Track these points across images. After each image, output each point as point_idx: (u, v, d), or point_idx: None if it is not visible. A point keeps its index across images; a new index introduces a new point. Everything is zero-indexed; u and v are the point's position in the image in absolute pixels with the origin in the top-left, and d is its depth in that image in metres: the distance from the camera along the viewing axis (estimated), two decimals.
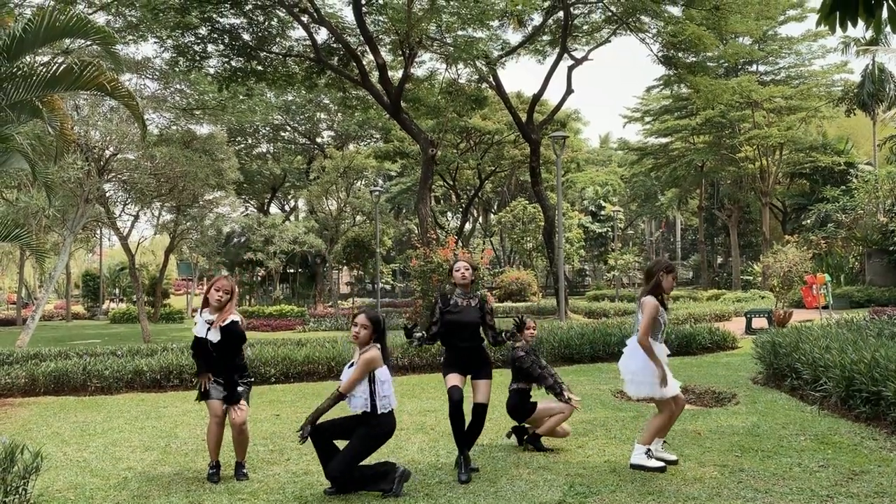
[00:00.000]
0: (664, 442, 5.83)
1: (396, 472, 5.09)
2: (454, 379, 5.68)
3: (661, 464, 5.54)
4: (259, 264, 40.48)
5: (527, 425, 6.49)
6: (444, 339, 5.81)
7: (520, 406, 6.37)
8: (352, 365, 5.24)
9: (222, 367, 5.71)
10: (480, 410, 5.72)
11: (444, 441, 6.53)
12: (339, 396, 5.18)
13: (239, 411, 5.63)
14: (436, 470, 5.72)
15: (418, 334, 5.83)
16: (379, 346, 5.23)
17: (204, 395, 5.73)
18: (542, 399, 6.45)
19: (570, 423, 6.74)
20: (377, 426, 5.13)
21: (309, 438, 5.17)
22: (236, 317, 5.75)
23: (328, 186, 38.77)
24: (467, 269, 5.83)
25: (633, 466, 5.57)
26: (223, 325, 5.67)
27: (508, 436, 6.54)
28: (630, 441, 6.41)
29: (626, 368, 5.75)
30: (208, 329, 5.69)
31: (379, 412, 5.12)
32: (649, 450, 5.59)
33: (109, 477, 5.75)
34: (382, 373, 5.20)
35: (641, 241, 61.28)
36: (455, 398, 5.57)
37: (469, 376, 5.76)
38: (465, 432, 5.67)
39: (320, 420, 5.22)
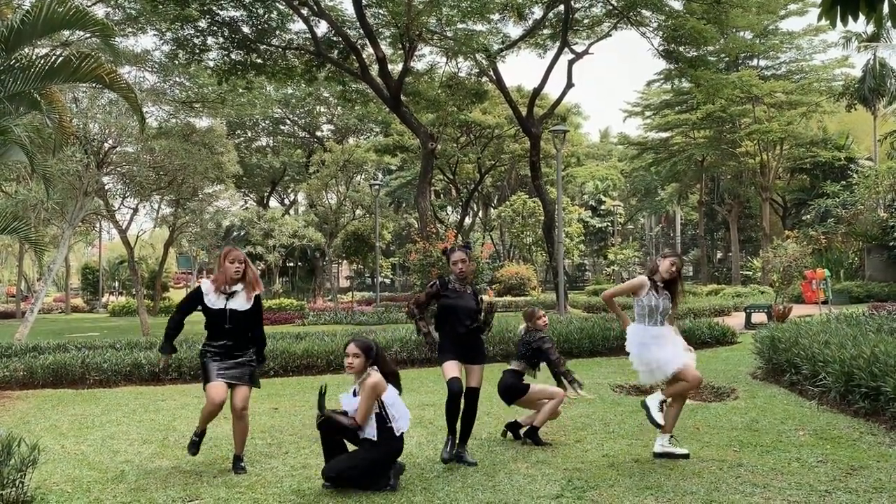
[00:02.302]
0: (671, 437, 5.84)
1: (392, 468, 5.09)
2: (454, 368, 5.67)
3: (686, 450, 5.67)
4: (258, 258, 40.50)
5: (519, 419, 6.49)
6: (442, 325, 5.82)
7: (513, 387, 6.37)
8: (355, 394, 5.16)
9: (246, 341, 5.67)
10: (474, 395, 5.79)
11: (443, 435, 6.52)
12: (358, 427, 5.07)
13: (240, 394, 5.59)
14: (434, 464, 5.71)
15: (425, 330, 5.82)
16: (377, 367, 5.14)
17: (206, 377, 5.58)
18: (534, 382, 6.48)
19: (569, 419, 6.75)
20: (385, 447, 5.06)
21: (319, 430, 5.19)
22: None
23: (328, 180, 38.73)
24: (465, 263, 5.85)
25: (658, 455, 5.68)
26: (257, 293, 5.70)
27: (504, 434, 6.54)
28: (628, 436, 6.42)
29: (637, 360, 5.79)
30: (228, 298, 5.60)
31: (387, 435, 5.07)
32: (672, 436, 5.72)
33: (107, 470, 5.74)
34: (389, 395, 5.13)
35: (641, 236, 61.31)
36: (455, 389, 5.59)
37: (466, 363, 5.79)
38: (461, 421, 5.76)
39: (335, 416, 5.17)
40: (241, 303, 5.64)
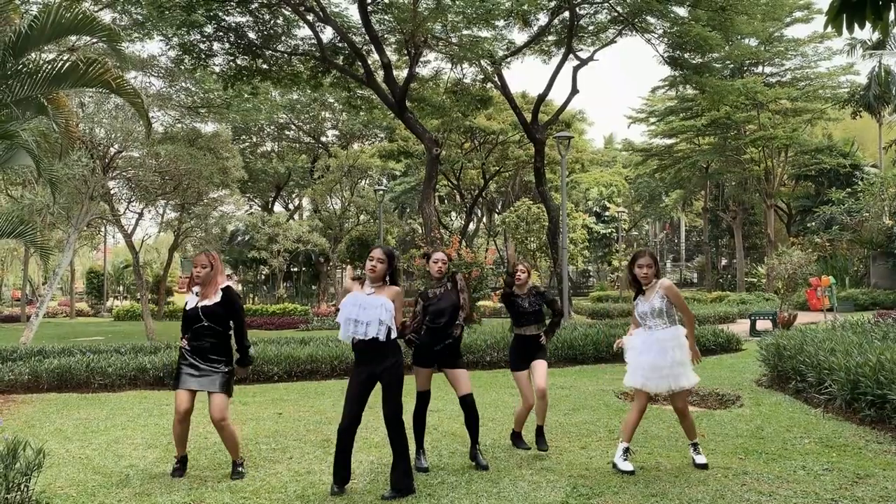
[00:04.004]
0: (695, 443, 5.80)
1: (409, 485, 5.10)
2: (425, 378, 5.83)
3: (630, 467, 5.54)
4: (263, 263, 40.52)
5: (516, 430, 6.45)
6: (426, 326, 5.88)
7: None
8: (371, 294, 5.26)
9: (223, 345, 5.63)
10: (469, 401, 5.84)
11: (447, 441, 6.53)
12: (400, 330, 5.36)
13: (214, 404, 5.53)
14: (438, 470, 5.71)
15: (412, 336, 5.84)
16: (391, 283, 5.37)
17: (175, 382, 5.66)
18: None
19: (574, 425, 6.73)
20: (398, 354, 5.27)
21: (339, 442, 5.19)
22: (230, 281, 5.80)
23: (332, 185, 38.82)
24: (444, 263, 5.99)
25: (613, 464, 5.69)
26: (221, 287, 5.67)
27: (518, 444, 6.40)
28: (633, 443, 6.39)
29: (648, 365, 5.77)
30: (201, 300, 5.65)
31: (394, 340, 5.28)
32: (627, 448, 5.65)
33: (111, 474, 5.75)
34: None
35: (646, 243, 61.19)
36: (424, 399, 5.83)
37: (445, 369, 5.84)
38: (467, 426, 5.85)
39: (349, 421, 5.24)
40: (209, 300, 5.66)
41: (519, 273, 6.32)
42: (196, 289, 5.71)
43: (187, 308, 5.71)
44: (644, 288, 5.75)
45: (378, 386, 5.27)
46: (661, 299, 5.65)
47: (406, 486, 5.06)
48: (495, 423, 7.40)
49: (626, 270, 5.94)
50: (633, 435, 5.74)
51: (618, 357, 12.32)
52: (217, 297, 5.64)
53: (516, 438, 6.40)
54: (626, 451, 5.63)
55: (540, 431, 6.27)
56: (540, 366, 6.25)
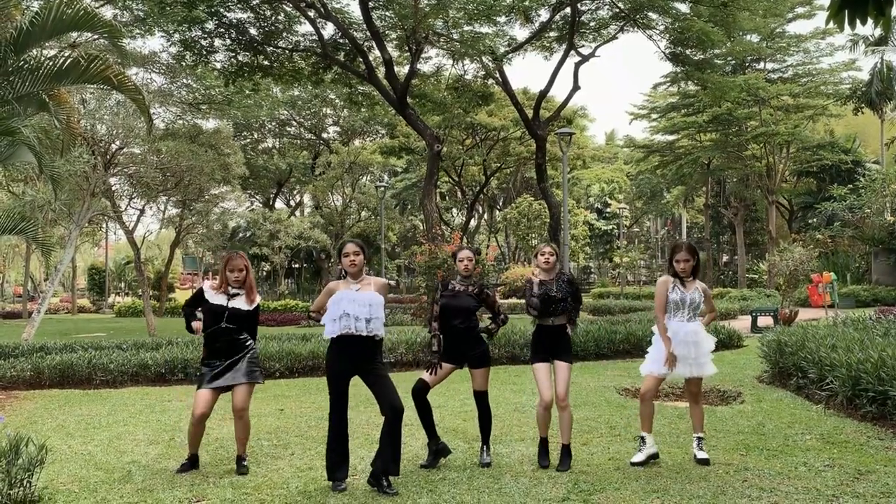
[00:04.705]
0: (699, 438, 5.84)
1: (396, 469, 5.17)
2: (437, 371, 5.77)
3: (639, 458, 5.66)
4: (264, 259, 40.54)
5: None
6: (441, 324, 5.83)
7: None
8: (358, 290, 5.36)
9: (243, 343, 5.68)
10: (479, 398, 5.87)
11: (448, 438, 6.53)
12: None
13: (237, 395, 5.60)
14: (439, 466, 5.71)
15: (434, 347, 5.80)
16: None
17: (199, 382, 5.71)
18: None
19: (575, 422, 6.72)
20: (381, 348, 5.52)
21: (332, 432, 5.25)
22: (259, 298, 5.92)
23: (333, 182, 38.85)
24: (471, 261, 5.88)
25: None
26: (257, 301, 5.82)
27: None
28: (634, 439, 6.38)
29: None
30: (230, 298, 5.68)
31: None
32: (643, 437, 5.75)
33: (114, 470, 5.76)
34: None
35: (647, 239, 61.18)
36: (413, 388, 5.78)
37: (466, 366, 5.85)
38: (479, 424, 5.89)
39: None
40: (241, 303, 5.72)
41: (548, 256, 5.81)
42: (232, 290, 5.71)
43: (212, 302, 5.68)
44: (685, 280, 5.81)
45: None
46: (700, 294, 5.82)
47: (394, 470, 5.10)
48: (495, 419, 7.40)
49: (667, 261, 6.03)
50: (652, 424, 5.81)
51: (618, 354, 12.41)
52: (251, 306, 5.76)
53: (541, 446, 5.77)
54: (642, 439, 5.72)
55: (566, 451, 5.66)
56: (562, 370, 5.67)
